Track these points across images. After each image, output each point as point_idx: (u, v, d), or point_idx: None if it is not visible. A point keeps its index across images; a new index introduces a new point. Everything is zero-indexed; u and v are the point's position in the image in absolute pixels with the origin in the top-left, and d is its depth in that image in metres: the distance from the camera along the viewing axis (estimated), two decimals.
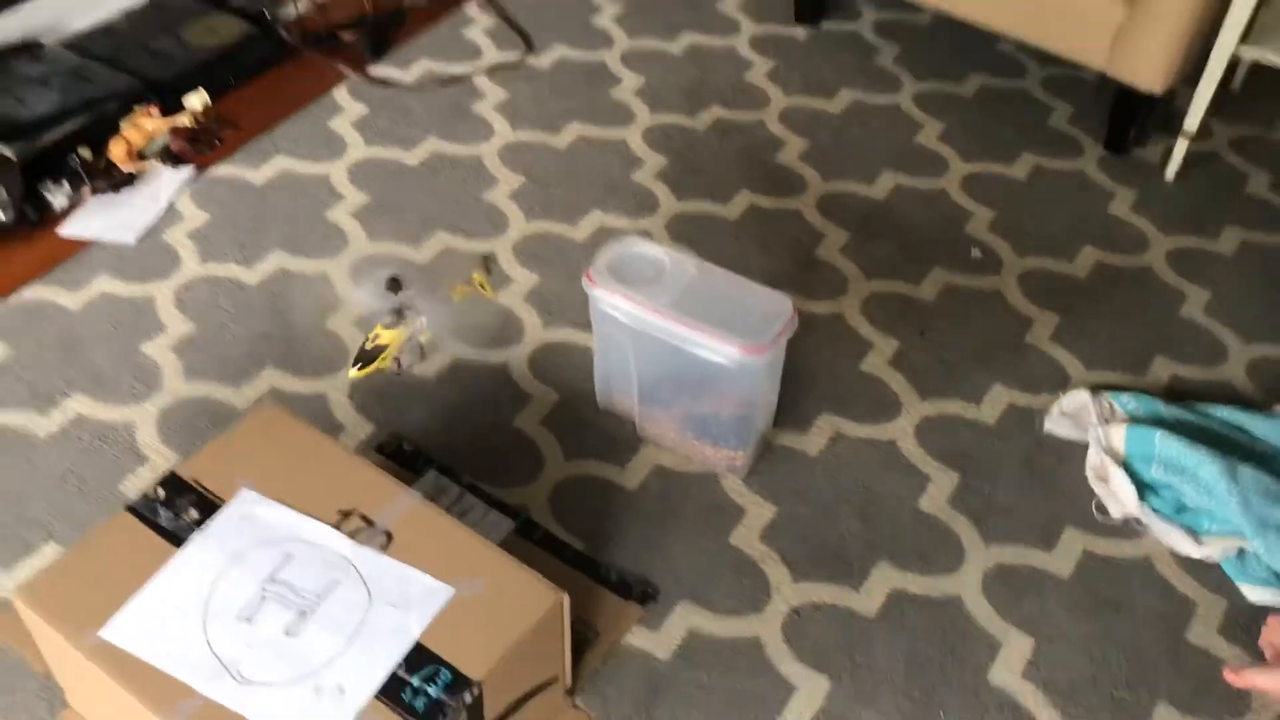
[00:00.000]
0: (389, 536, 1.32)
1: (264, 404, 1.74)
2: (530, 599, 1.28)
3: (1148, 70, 2.19)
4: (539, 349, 1.94)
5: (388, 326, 1.86)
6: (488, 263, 2.04)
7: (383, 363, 1.84)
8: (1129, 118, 2.32)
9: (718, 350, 1.58)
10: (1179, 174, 2.31)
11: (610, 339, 1.73)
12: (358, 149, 2.31)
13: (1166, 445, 1.72)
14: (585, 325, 1.90)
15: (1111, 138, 2.37)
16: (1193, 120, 2.22)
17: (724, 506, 1.71)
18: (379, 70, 2.52)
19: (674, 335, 1.60)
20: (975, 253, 2.14)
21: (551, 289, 2.04)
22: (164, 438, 1.75)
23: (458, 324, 1.96)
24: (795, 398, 1.87)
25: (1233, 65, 2.48)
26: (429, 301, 1.94)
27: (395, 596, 1.26)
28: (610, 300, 1.64)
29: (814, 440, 1.82)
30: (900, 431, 1.84)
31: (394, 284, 1.93)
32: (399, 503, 1.36)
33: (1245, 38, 2.13)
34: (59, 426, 1.76)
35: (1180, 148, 2.27)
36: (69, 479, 1.69)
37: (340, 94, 2.44)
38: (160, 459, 1.72)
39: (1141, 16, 2.14)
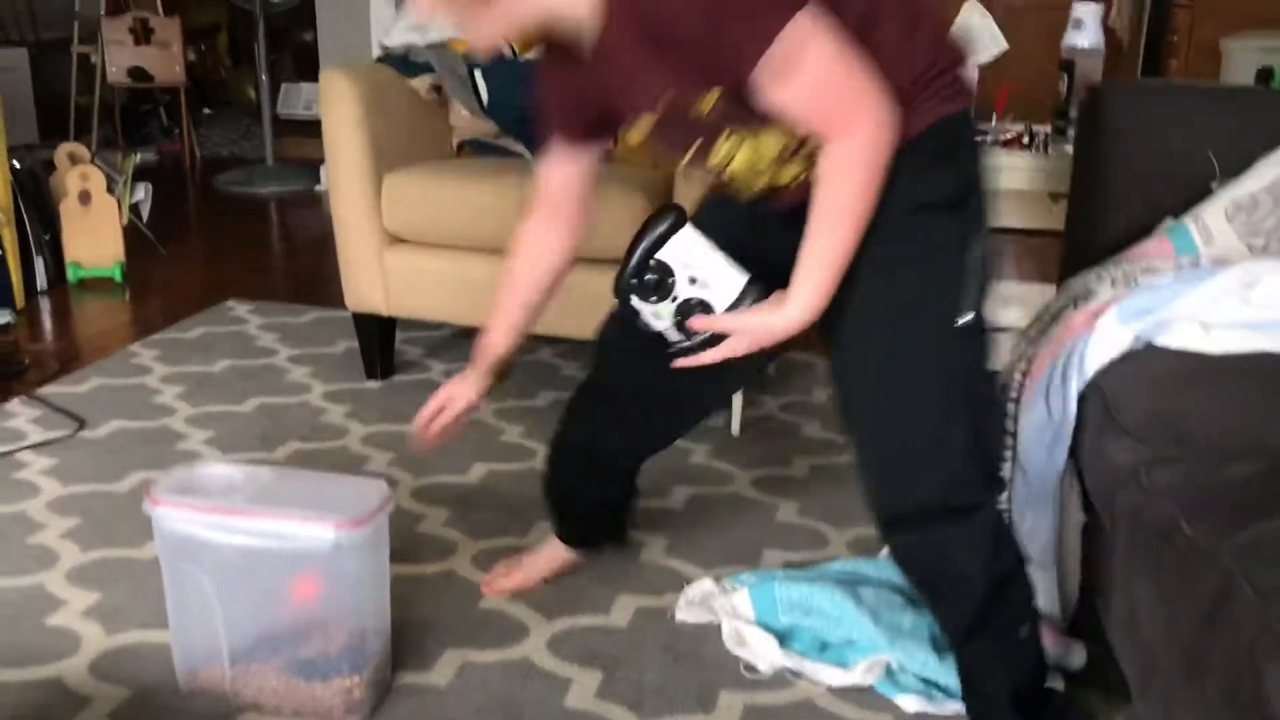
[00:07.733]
0: None
1: None
2: None
3: None
4: (101, 656, 1.64)
5: None
6: None
7: None
8: None
9: (311, 535, 1.41)
10: (743, 431, 2.49)
11: (186, 583, 1.50)
12: None
13: (787, 589, 1.71)
14: (160, 623, 1.65)
15: None
16: None
17: None
18: None
19: (259, 533, 1.42)
20: None
21: (116, 602, 1.77)
22: None
23: None
24: (414, 640, 1.69)
25: None
26: None
27: None
28: (179, 516, 1.45)
29: (441, 673, 1.63)
30: (533, 648, 1.69)
31: None
32: None
33: None
34: None
35: (736, 404, 2.47)
36: None
37: None
38: None
39: None
